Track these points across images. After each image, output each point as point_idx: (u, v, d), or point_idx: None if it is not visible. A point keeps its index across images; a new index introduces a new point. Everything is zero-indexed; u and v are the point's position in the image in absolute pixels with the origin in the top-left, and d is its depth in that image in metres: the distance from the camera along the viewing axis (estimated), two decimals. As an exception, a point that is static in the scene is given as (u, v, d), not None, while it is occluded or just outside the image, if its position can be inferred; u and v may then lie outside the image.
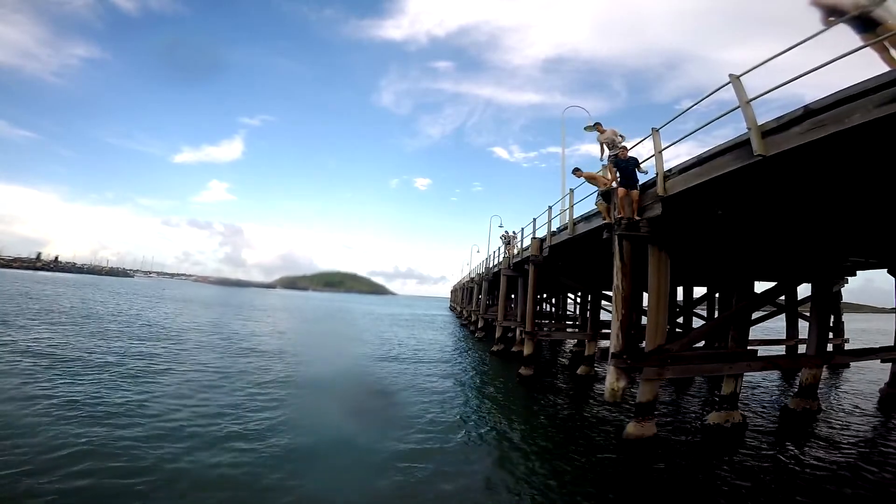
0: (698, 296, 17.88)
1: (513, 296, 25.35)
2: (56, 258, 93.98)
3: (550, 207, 13.29)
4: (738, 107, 5.18)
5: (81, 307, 27.78)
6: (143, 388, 9.50)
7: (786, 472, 6.74)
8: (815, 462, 7.15)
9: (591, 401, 11.50)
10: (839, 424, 9.14)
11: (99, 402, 8.26)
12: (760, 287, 9.86)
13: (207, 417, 7.90)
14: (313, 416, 8.67)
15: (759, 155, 4.82)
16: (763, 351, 9.17)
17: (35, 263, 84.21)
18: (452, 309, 65.40)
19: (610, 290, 8.21)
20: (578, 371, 15.51)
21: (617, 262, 7.68)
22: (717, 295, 16.99)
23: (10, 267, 72.54)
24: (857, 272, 11.53)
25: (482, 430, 8.58)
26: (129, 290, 54.58)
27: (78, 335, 16.15)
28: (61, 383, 9.31)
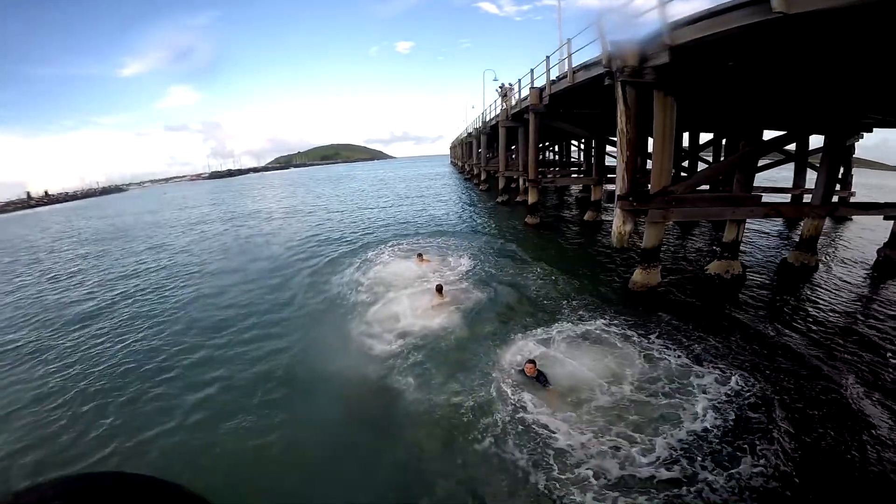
0: (704, 141, 17.08)
1: (513, 147, 24.81)
2: (46, 192, 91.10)
3: (548, 57, 12.82)
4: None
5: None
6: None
7: (780, 326, 7.13)
8: (808, 319, 7.42)
9: (597, 247, 12.44)
10: (834, 284, 9.12)
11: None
12: (769, 136, 9.52)
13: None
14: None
15: (778, 12, 4.36)
16: (767, 198, 9.00)
17: (29, 202, 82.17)
18: (454, 164, 64.73)
19: (615, 135, 8.04)
20: (585, 217, 16.34)
21: (621, 107, 7.46)
22: (723, 141, 16.24)
23: (6, 211, 70.65)
24: (875, 129, 10.77)
25: (493, 272, 9.93)
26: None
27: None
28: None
